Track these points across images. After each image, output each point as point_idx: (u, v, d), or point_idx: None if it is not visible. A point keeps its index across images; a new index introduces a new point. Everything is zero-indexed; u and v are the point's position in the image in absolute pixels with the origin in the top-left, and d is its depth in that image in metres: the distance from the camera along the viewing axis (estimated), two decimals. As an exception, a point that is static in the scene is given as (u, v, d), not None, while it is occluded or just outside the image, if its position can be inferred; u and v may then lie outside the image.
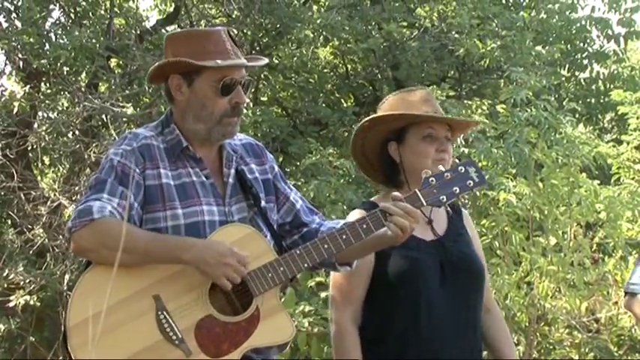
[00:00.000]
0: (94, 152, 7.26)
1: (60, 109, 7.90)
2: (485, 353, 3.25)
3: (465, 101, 8.08)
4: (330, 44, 9.32)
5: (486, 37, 8.38)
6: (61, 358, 6.74)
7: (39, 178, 8.38)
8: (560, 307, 6.04)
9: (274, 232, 2.81)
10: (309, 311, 5.55)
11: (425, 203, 2.71)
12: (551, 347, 6.37)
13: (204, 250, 2.57)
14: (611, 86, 9.65)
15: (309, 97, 9.22)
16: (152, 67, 2.82)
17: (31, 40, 7.44)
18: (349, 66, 9.69)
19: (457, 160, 2.95)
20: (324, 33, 8.69)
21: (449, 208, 3.11)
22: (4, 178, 7.36)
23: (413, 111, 3.05)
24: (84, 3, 8.24)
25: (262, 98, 9.42)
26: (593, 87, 9.96)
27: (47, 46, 7.70)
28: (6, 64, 7.99)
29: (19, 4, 7.80)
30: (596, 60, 9.74)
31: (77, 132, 7.73)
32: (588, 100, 9.90)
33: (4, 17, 7.82)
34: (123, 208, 2.60)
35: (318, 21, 8.42)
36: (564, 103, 7.25)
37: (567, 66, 9.65)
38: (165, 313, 2.57)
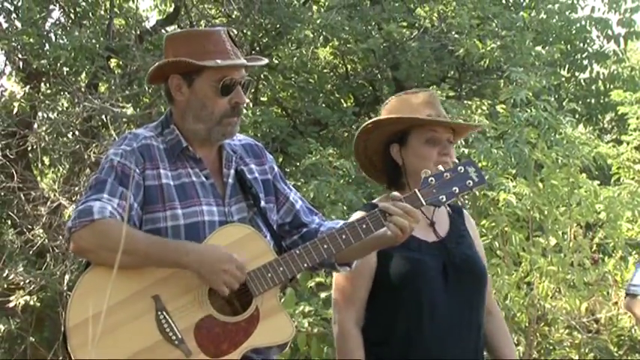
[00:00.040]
0: (93, 152, 7.26)
1: (60, 109, 7.90)
2: (485, 354, 3.25)
3: (465, 101, 8.09)
4: (330, 44, 9.32)
5: (486, 38, 8.38)
6: (61, 358, 6.74)
7: (39, 178, 8.38)
8: (560, 307, 6.05)
9: (274, 233, 2.81)
10: (308, 311, 5.55)
11: (424, 203, 2.71)
12: (551, 347, 6.37)
13: (204, 255, 2.57)
14: (611, 86, 9.66)
15: (309, 98, 9.22)
16: (152, 68, 2.82)
17: (31, 40, 7.44)
18: (349, 66, 9.69)
19: (457, 161, 2.94)
20: (323, 33, 8.69)
21: (449, 209, 3.12)
22: (4, 179, 7.36)
23: (415, 114, 3.05)
24: (84, 3, 8.24)
25: (262, 98, 9.42)
26: (593, 87, 9.96)
27: (47, 47, 7.70)
28: (6, 65, 8.00)
29: (19, 4, 7.80)
30: (596, 60, 9.75)
31: (77, 132, 7.73)
32: (588, 100, 9.91)
33: (4, 17, 7.82)
34: (123, 209, 2.60)
35: (318, 21, 8.42)
36: (564, 103, 7.26)
37: (567, 66, 9.65)
38: (164, 313, 2.57)
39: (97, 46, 7.55)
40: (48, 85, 8.01)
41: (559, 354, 6.30)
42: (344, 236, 2.66)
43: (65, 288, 6.83)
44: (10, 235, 8.07)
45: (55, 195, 7.38)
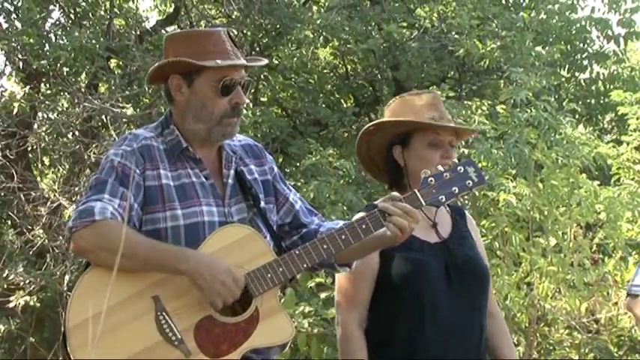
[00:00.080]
0: (93, 153, 7.27)
1: (60, 109, 7.91)
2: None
3: (465, 102, 8.08)
4: (330, 45, 9.32)
5: (486, 38, 8.38)
6: (61, 358, 6.73)
7: (39, 178, 8.38)
8: (560, 307, 6.04)
9: (274, 233, 2.81)
10: (308, 312, 5.55)
11: (424, 203, 2.70)
12: (551, 348, 6.37)
13: (202, 264, 2.56)
14: (611, 87, 9.65)
15: (309, 98, 9.22)
16: (152, 68, 2.82)
17: (31, 40, 7.44)
18: (349, 66, 9.69)
19: (456, 161, 2.94)
20: (323, 33, 8.69)
21: (451, 210, 3.12)
22: (4, 179, 7.36)
23: (418, 116, 3.05)
24: (84, 3, 8.24)
25: (262, 99, 9.43)
26: (593, 87, 9.96)
27: (47, 47, 7.70)
28: (6, 65, 8.01)
29: (19, 4, 7.80)
30: (596, 60, 9.74)
31: (77, 133, 7.73)
32: (588, 100, 9.90)
33: (4, 18, 7.83)
34: (124, 209, 2.60)
35: (318, 21, 8.42)
36: (564, 103, 7.24)
37: (567, 66, 9.65)
38: (164, 313, 2.56)
39: (97, 46, 7.56)
40: (48, 85, 8.02)
41: (559, 354, 6.30)
42: (343, 237, 2.66)
43: (65, 288, 6.83)
44: (10, 235, 8.07)
45: (55, 195, 7.38)
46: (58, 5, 8.27)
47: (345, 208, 6.41)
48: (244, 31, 8.38)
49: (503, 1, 9.73)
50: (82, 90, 7.64)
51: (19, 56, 7.69)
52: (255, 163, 2.90)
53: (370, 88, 9.64)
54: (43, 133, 7.61)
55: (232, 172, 2.82)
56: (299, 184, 7.23)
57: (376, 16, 8.69)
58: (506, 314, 5.60)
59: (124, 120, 7.58)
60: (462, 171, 2.74)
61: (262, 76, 9.01)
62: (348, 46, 8.93)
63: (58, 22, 8.31)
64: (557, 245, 6.03)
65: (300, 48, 8.99)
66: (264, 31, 8.79)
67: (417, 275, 2.98)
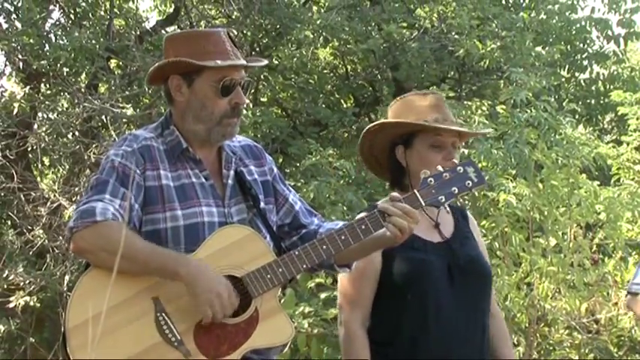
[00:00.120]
0: (93, 153, 7.26)
1: (60, 110, 7.90)
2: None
3: (465, 102, 8.08)
4: (330, 45, 9.32)
5: (486, 38, 8.38)
6: (60, 359, 6.73)
7: (39, 179, 8.38)
8: (560, 308, 6.04)
9: (273, 234, 2.81)
10: (308, 312, 5.54)
11: (424, 204, 2.70)
12: (551, 348, 6.36)
13: (200, 273, 2.54)
14: (611, 87, 9.65)
15: (309, 98, 9.22)
16: (152, 68, 2.82)
17: (31, 41, 7.44)
18: (349, 67, 9.69)
19: (456, 161, 2.94)
20: (323, 34, 8.68)
21: (452, 210, 3.12)
22: (4, 179, 7.36)
23: (421, 117, 3.05)
24: (84, 4, 8.24)
25: (262, 99, 9.42)
26: (593, 88, 9.96)
27: (47, 47, 7.70)
28: (6, 65, 8.01)
29: (19, 4, 7.80)
30: (596, 61, 9.74)
31: (77, 133, 7.73)
32: (588, 100, 9.90)
33: (4, 18, 7.83)
34: (124, 210, 2.59)
35: (318, 22, 8.42)
36: (564, 104, 7.24)
37: (567, 67, 9.64)
38: (164, 314, 2.56)
39: (97, 46, 7.55)
40: (48, 85, 8.01)
41: (559, 354, 6.29)
42: (343, 237, 2.66)
43: (65, 289, 6.83)
44: (10, 235, 8.07)
45: (55, 195, 7.38)
46: (58, 5, 8.27)
47: (345, 208, 6.41)
48: (244, 32, 8.38)
49: (503, 2, 9.73)
50: (82, 90, 7.64)
51: (19, 56, 7.68)
52: (255, 164, 2.90)
53: (370, 88, 9.64)
54: (43, 134, 7.60)
55: (232, 172, 2.82)
56: (299, 184, 7.22)
57: (376, 16, 8.69)
58: (506, 314, 5.60)
59: (124, 120, 7.58)
60: (461, 171, 2.74)
61: (262, 77, 9.01)
62: (348, 46, 8.93)
63: (58, 23, 8.31)
64: (557, 245, 6.03)
65: (300, 48, 8.99)
66: (264, 32, 8.79)
67: (420, 275, 2.98)
